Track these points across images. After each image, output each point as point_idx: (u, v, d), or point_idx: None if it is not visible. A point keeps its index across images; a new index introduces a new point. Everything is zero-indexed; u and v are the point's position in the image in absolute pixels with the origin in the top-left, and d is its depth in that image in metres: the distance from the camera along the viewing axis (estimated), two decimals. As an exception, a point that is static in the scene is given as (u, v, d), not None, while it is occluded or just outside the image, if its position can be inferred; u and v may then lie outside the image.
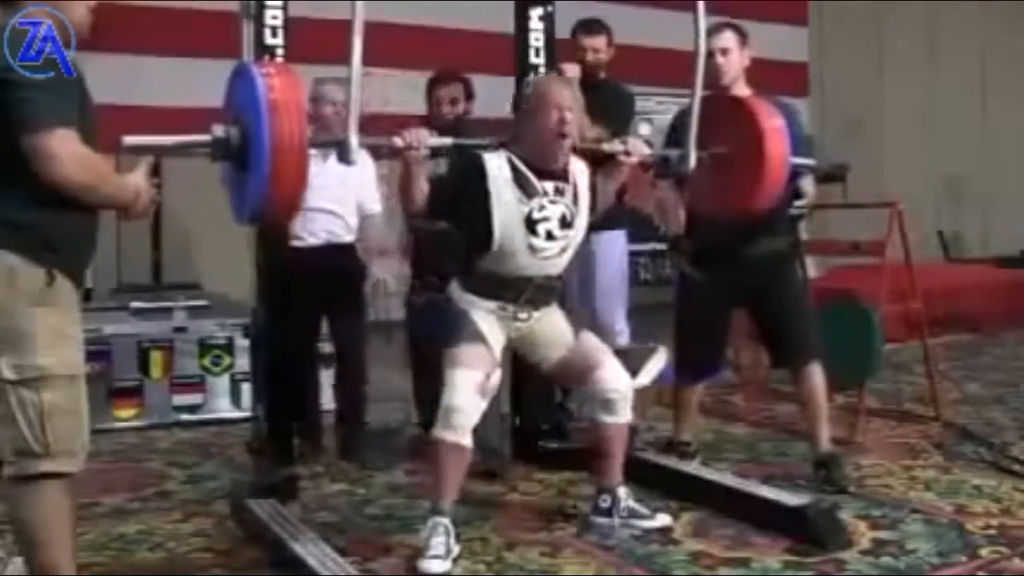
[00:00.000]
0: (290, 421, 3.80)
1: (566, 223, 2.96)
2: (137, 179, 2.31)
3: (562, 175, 2.99)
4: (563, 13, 3.89)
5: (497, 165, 2.93)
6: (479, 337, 2.90)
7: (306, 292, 3.79)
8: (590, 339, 3.12)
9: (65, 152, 2.10)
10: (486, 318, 2.95)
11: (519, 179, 2.92)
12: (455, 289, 2.99)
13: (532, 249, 2.91)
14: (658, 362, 3.71)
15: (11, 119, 2.09)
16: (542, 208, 2.92)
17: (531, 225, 2.91)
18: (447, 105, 3.99)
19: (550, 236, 2.93)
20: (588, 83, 3.81)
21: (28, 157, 2.09)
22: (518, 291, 2.95)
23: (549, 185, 2.95)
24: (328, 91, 3.84)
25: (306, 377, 4.00)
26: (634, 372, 3.28)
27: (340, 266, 3.95)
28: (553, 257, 2.97)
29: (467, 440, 2.83)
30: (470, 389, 2.82)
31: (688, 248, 3.63)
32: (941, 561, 2.83)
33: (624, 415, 3.07)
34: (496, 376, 2.91)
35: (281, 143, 2.32)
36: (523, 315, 2.99)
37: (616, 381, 3.05)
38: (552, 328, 3.07)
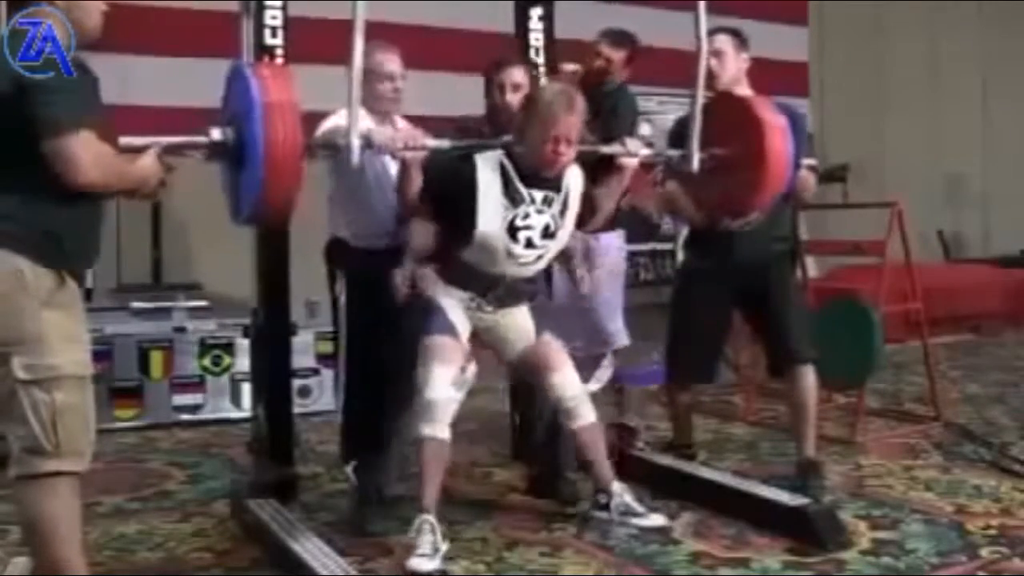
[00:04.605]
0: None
1: (548, 233, 2.98)
2: (146, 162, 2.35)
3: (554, 184, 2.99)
4: (563, 13, 3.88)
5: (488, 168, 2.94)
6: (450, 329, 2.97)
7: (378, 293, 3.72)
8: (551, 341, 3.14)
9: (88, 155, 2.12)
10: (454, 307, 3.01)
11: (508, 185, 2.93)
12: (430, 275, 3.03)
13: (510, 254, 2.95)
14: (607, 368, 3.73)
15: (29, 122, 2.09)
16: (526, 216, 2.94)
17: (512, 232, 2.93)
18: (510, 92, 3.36)
19: (530, 244, 2.96)
20: (592, 87, 3.79)
21: (49, 159, 2.10)
22: (489, 287, 3.01)
23: (538, 194, 2.96)
24: (382, 62, 3.13)
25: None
26: (586, 379, 3.32)
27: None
28: (529, 264, 3.02)
29: (445, 433, 2.88)
30: (445, 383, 2.89)
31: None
32: (941, 561, 2.83)
33: (588, 416, 3.09)
34: (471, 370, 2.97)
35: (275, 144, 2.34)
36: (488, 308, 3.05)
37: (570, 388, 3.09)
38: (517, 323, 3.12)
